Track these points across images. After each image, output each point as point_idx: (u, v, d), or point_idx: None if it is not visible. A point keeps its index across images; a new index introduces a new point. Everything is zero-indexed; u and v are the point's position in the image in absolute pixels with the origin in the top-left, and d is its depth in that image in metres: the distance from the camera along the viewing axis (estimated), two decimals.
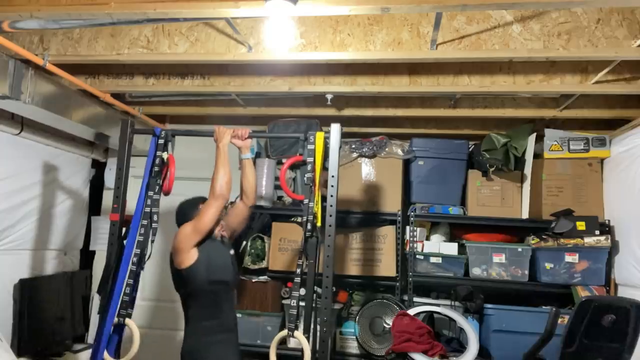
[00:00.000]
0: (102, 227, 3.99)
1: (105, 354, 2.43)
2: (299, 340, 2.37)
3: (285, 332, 2.40)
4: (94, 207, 4.08)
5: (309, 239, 2.49)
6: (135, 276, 2.53)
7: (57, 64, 2.66)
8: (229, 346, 2.42)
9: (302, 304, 2.47)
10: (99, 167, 4.13)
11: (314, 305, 2.53)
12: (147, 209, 2.56)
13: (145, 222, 2.55)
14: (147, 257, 2.56)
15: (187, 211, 2.48)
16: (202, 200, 2.51)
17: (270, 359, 2.41)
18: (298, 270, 2.46)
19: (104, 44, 2.59)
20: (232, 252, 2.56)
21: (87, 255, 4.03)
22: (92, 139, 3.64)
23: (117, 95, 3.27)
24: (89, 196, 4.05)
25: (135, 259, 2.52)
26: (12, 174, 3.18)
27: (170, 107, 3.58)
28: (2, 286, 3.12)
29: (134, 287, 2.53)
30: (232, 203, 3.51)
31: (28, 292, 3.21)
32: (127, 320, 2.50)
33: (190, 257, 2.34)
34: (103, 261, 2.64)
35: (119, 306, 2.49)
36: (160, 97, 3.42)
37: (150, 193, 2.59)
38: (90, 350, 3.51)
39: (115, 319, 2.48)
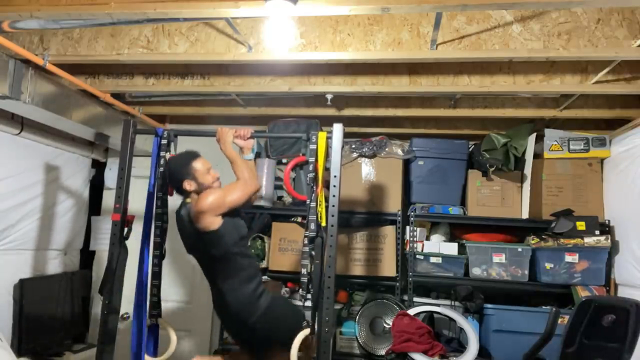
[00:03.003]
0: (102, 227, 3.99)
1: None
2: None
3: (307, 331, 2.34)
4: (94, 207, 4.08)
5: (314, 240, 2.48)
6: (158, 277, 2.59)
7: (57, 64, 2.65)
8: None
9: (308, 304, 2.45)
10: (99, 167, 4.13)
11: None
12: (159, 210, 2.58)
13: (159, 223, 2.58)
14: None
15: (178, 169, 2.49)
16: (193, 156, 2.51)
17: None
18: (304, 271, 2.44)
19: (104, 44, 2.59)
20: None
21: (87, 255, 4.03)
22: (92, 139, 3.64)
23: (117, 95, 3.27)
24: (89, 196, 4.05)
25: (156, 260, 2.58)
26: (12, 174, 3.17)
27: (170, 107, 3.58)
28: (2, 286, 3.11)
29: (158, 288, 2.60)
30: None
31: (28, 292, 3.20)
32: (160, 320, 2.58)
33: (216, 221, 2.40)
34: (103, 261, 2.66)
35: (149, 308, 2.54)
36: (160, 97, 3.41)
37: (160, 194, 2.60)
38: (92, 350, 3.54)
39: (148, 320, 2.53)
